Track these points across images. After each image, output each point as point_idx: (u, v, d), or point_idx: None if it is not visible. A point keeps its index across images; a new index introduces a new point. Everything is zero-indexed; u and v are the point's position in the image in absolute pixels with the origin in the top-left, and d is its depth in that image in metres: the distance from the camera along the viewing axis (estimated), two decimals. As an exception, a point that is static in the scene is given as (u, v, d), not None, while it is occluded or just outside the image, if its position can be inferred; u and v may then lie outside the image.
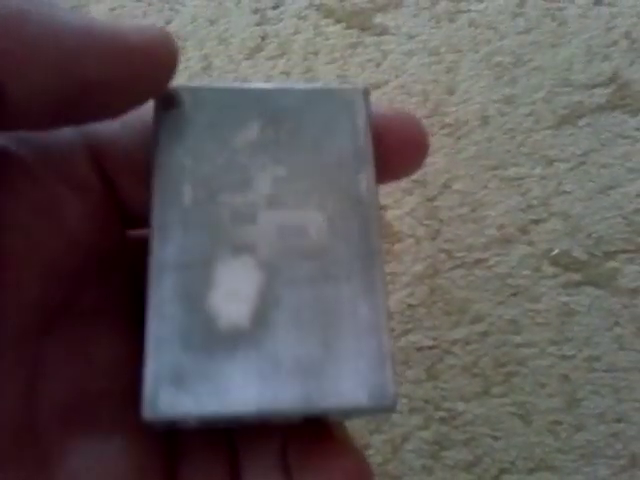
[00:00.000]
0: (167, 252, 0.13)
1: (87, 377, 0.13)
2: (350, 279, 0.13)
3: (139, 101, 0.13)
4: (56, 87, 0.11)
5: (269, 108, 0.14)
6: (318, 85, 0.15)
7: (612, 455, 0.22)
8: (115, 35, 0.12)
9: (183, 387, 0.12)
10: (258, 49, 0.27)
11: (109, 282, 0.14)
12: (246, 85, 0.15)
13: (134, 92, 0.12)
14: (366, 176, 0.14)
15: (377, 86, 0.26)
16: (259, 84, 0.15)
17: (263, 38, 0.27)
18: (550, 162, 0.25)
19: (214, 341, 0.13)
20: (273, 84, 0.15)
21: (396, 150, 0.15)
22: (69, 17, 0.11)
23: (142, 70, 0.12)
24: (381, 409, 0.13)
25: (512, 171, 0.25)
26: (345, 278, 0.13)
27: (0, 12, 0.11)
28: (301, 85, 0.15)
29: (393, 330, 0.23)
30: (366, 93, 0.15)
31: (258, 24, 0.27)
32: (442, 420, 0.22)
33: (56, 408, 0.13)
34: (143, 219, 0.15)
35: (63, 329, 0.13)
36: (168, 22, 0.28)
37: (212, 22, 0.27)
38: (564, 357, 0.22)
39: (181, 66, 0.27)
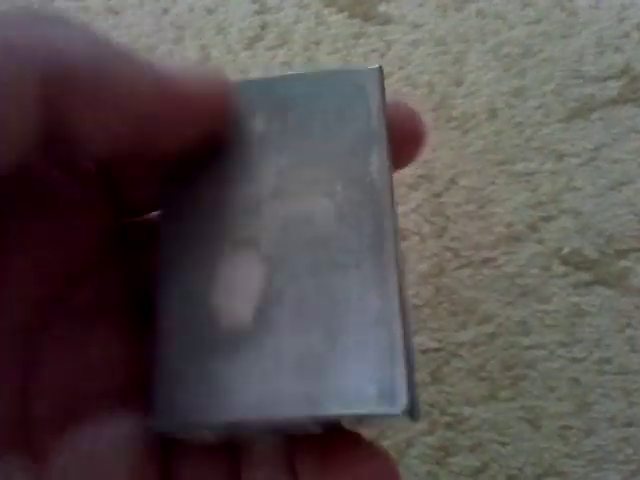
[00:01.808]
0: (173, 249, 0.13)
1: (82, 375, 0.13)
2: (360, 268, 0.12)
3: (193, 143, 0.13)
4: (123, 135, 0.12)
5: (279, 96, 0.14)
6: (329, 67, 0.14)
7: (622, 460, 0.21)
8: (183, 92, 0.12)
9: (187, 393, 0.12)
10: (258, 39, 0.26)
11: (106, 277, 0.14)
12: (256, 77, 0.14)
13: (191, 139, 0.13)
14: (378, 160, 0.13)
15: (381, 78, 0.25)
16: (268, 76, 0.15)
17: (263, 27, 0.26)
18: (560, 157, 0.24)
19: (217, 342, 0.12)
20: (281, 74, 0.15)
21: (393, 141, 0.14)
22: (146, 71, 0.12)
23: (203, 121, 0.13)
24: (391, 415, 0.11)
25: (521, 166, 0.24)
26: (354, 267, 0.12)
27: (99, 65, 0.11)
28: (312, 69, 0.14)
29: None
30: (380, 72, 0.14)
31: (258, 13, 0.26)
32: (448, 425, 0.21)
33: (50, 406, 0.13)
34: (140, 210, 0.15)
35: (59, 326, 0.13)
36: (165, 11, 0.27)
37: (210, 11, 0.27)
38: (574, 359, 0.22)
39: (178, 57, 0.26)
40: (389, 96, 0.14)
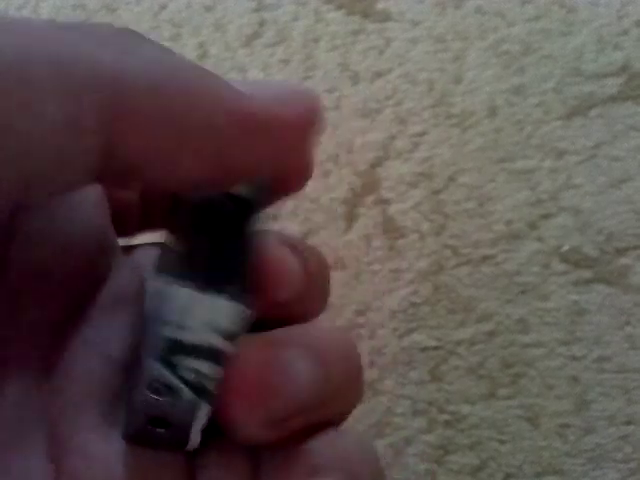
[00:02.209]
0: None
1: (104, 370, 0.13)
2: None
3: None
4: (201, 173, 0.11)
5: None
6: None
7: (621, 459, 0.21)
8: (270, 120, 0.11)
9: None
10: (256, 36, 0.26)
11: (123, 273, 0.14)
12: None
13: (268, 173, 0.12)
14: None
15: (380, 75, 0.25)
16: None
17: (261, 25, 0.26)
18: (560, 154, 0.24)
19: None
20: None
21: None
22: (230, 98, 0.11)
23: (286, 154, 0.12)
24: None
25: (520, 164, 0.24)
26: None
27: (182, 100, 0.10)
28: None
29: (396, 330, 0.22)
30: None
31: (256, 10, 0.26)
32: (446, 423, 0.21)
33: (70, 403, 0.13)
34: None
35: (82, 321, 0.13)
36: (163, 7, 0.27)
37: (208, 8, 0.26)
38: (573, 358, 0.22)
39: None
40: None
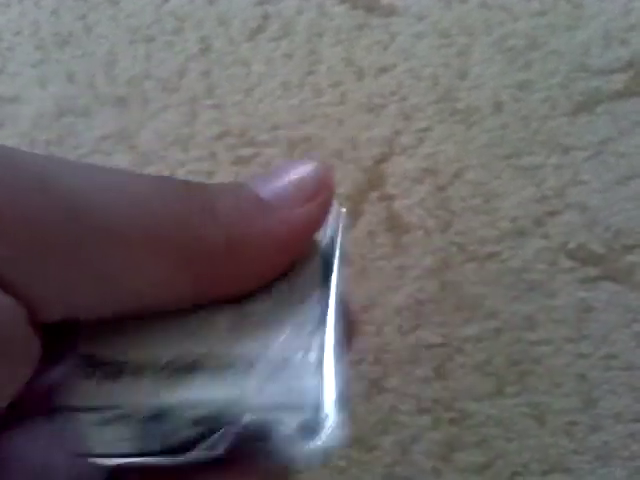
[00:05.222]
0: None
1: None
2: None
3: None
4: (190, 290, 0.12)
5: None
6: None
7: (628, 456, 0.21)
8: (250, 254, 0.12)
9: None
10: (259, 30, 0.26)
11: None
12: None
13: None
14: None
15: (384, 70, 0.25)
16: None
17: (265, 18, 0.26)
18: (566, 151, 0.24)
19: None
20: None
21: None
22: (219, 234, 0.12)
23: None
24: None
25: (526, 160, 0.24)
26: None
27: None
28: None
29: (400, 327, 0.22)
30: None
31: (259, 3, 0.26)
32: (452, 421, 0.21)
33: None
34: None
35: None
36: (165, 1, 0.26)
37: (211, 2, 0.26)
38: (580, 355, 0.21)
39: (178, 48, 0.26)
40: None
